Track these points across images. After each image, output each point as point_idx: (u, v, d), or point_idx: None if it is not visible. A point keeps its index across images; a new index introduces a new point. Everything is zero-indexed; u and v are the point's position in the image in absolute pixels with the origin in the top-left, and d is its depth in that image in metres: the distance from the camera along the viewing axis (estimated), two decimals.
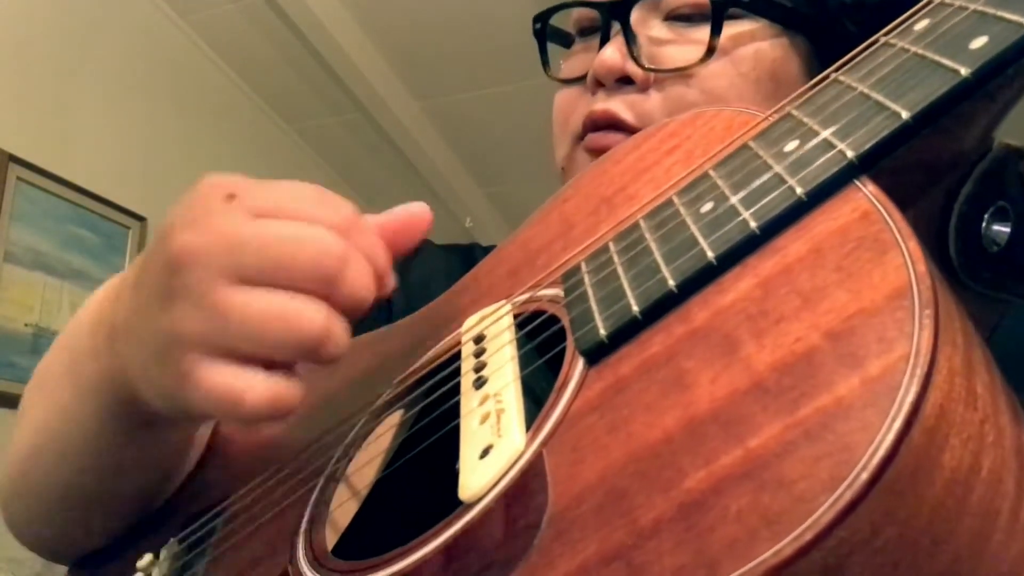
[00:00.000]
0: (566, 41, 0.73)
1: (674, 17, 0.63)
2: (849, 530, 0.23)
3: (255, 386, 0.39)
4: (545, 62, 0.72)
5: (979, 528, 0.25)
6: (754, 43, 0.61)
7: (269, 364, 0.40)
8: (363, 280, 0.41)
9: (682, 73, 0.60)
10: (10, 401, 2.16)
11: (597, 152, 0.60)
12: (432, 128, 3.51)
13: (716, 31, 0.59)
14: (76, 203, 2.53)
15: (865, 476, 0.23)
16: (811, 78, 0.39)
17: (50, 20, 2.48)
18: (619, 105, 0.62)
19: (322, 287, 0.40)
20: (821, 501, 0.24)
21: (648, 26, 0.63)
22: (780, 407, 0.27)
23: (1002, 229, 0.34)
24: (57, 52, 2.49)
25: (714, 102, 0.58)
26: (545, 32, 0.72)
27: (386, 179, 3.79)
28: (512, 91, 3.08)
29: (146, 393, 0.46)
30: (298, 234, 0.40)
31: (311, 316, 0.39)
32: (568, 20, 0.73)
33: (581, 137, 0.65)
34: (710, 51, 0.60)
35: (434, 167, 3.60)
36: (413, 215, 0.47)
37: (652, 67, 0.61)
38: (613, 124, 0.62)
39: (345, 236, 0.41)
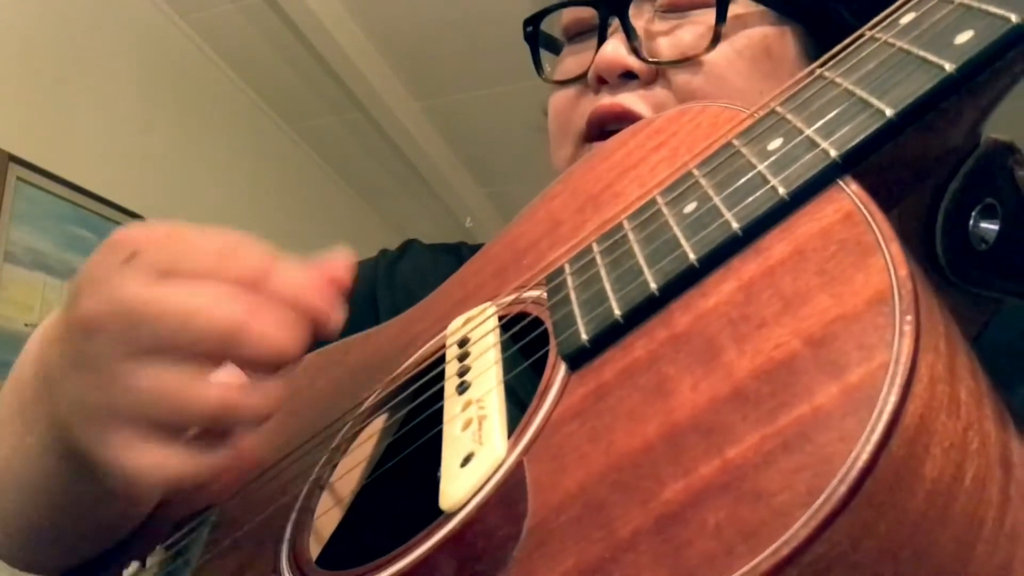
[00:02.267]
0: (555, 47, 0.72)
1: (669, 9, 0.63)
2: (827, 544, 0.23)
3: (159, 461, 0.39)
4: (538, 64, 0.72)
5: (962, 538, 0.25)
6: (752, 29, 0.61)
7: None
8: (274, 335, 0.39)
9: (686, 62, 0.60)
10: None
11: None
12: (432, 128, 3.50)
13: (721, 18, 0.59)
14: (76, 203, 2.53)
15: (843, 489, 0.23)
16: (808, 63, 0.38)
17: (50, 20, 2.47)
18: (629, 98, 0.61)
19: (222, 349, 0.39)
20: (799, 515, 0.23)
21: (645, 20, 0.63)
22: (759, 416, 0.26)
23: (990, 227, 0.34)
24: (57, 52, 2.49)
25: (721, 86, 0.59)
26: (537, 35, 0.72)
27: (386, 179, 3.79)
28: (512, 91, 3.07)
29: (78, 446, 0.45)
30: (191, 299, 0.39)
31: (202, 392, 0.38)
32: (556, 27, 0.72)
33: (586, 137, 0.64)
34: (716, 38, 0.59)
35: (434, 167, 3.60)
36: (335, 265, 0.44)
37: (654, 59, 0.61)
38: (624, 117, 0.61)
39: (254, 288, 0.40)
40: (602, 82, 0.63)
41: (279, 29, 2.92)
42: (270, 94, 3.35)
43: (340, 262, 0.44)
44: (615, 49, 0.61)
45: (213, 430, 0.40)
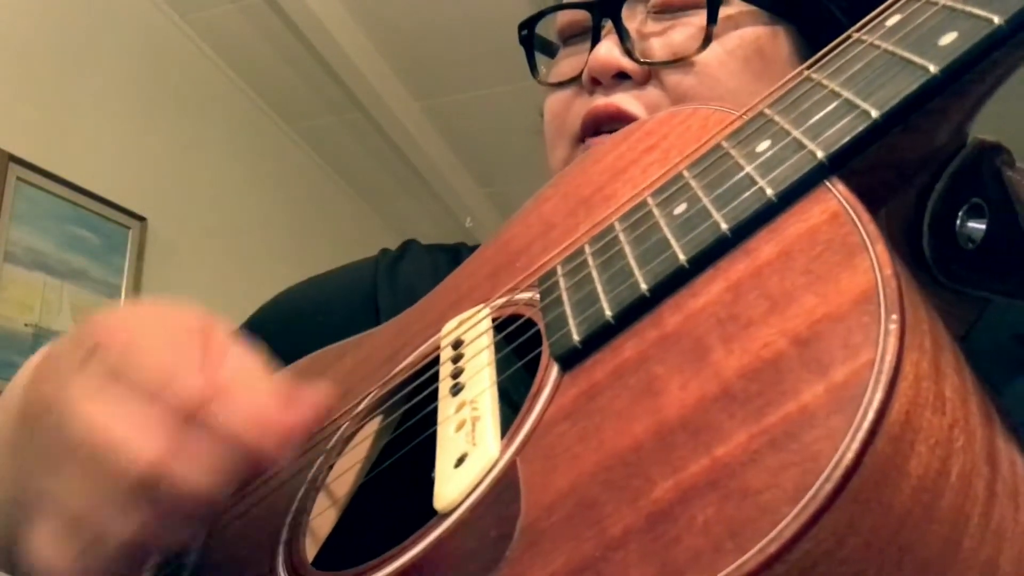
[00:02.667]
0: (550, 51, 0.72)
1: (662, 10, 0.63)
2: (813, 541, 0.23)
3: (56, 558, 0.37)
4: (533, 67, 0.72)
5: (948, 535, 0.25)
6: (743, 29, 0.61)
7: None
8: (192, 477, 0.36)
9: (679, 63, 0.60)
10: None
11: None
12: (432, 128, 3.50)
13: (713, 19, 0.60)
14: (76, 203, 2.52)
15: (829, 486, 0.23)
16: (801, 63, 0.38)
17: (50, 20, 2.48)
18: (623, 99, 0.62)
19: (133, 482, 0.36)
20: (785, 512, 0.23)
21: (637, 21, 0.63)
22: (747, 415, 0.27)
23: (977, 226, 0.34)
24: (57, 52, 2.49)
25: (714, 86, 0.59)
26: (532, 39, 0.72)
27: (386, 179, 3.79)
28: (512, 91, 3.07)
29: None
30: (121, 421, 0.37)
31: (113, 524, 0.36)
32: (551, 30, 0.72)
33: (581, 138, 0.64)
34: (707, 39, 0.60)
35: (434, 167, 3.60)
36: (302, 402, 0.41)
37: (647, 60, 0.61)
38: (618, 118, 0.61)
39: (189, 418, 0.37)
40: (596, 83, 0.63)
41: (279, 29, 2.92)
42: (270, 94, 3.35)
43: (309, 402, 0.40)
44: (608, 50, 0.62)
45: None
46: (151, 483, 0.36)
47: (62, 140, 2.49)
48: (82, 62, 2.58)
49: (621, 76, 0.62)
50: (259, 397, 0.39)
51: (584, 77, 0.64)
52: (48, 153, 2.41)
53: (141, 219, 2.68)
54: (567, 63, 0.68)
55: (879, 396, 0.24)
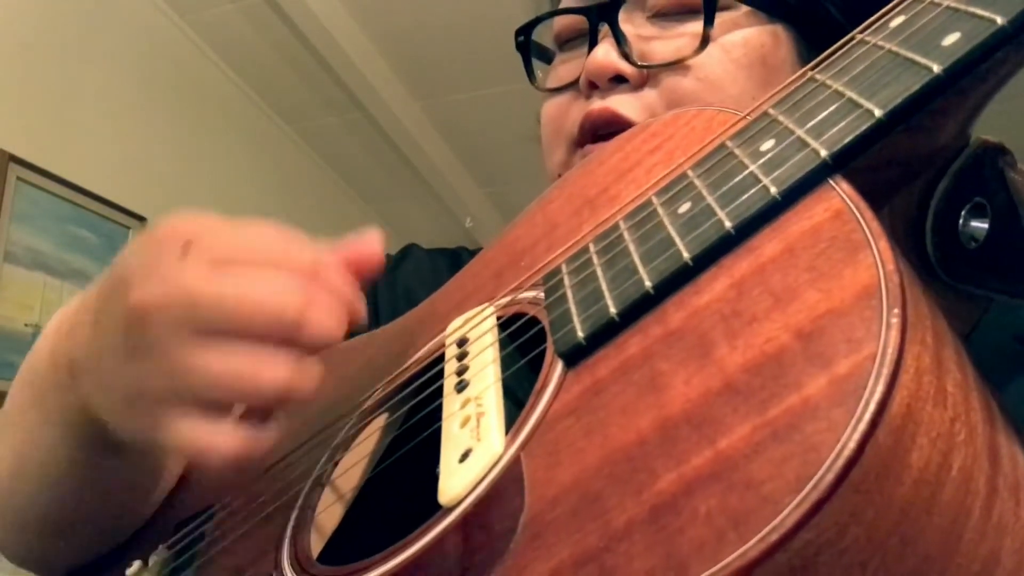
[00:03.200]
0: (547, 57, 0.72)
1: (659, 15, 0.63)
2: (815, 531, 0.23)
3: (225, 436, 0.40)
4: (530, 73, 0.72)
5: (949, 527, 0.25)
6: (742, 30, 0.61)
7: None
8: (328, 321, 0.41)
9: (676, 65, 0.60)
10: None
11: None
12: (432, 128, 3.51)
13: (709, 21, 0.59)
14: (76, 203, 2.53)
15: (830, 477, 0.23)
16: (802, 66, 0.38)
17: (50, 20, 2.48)
18: (619, 102, 0.61)
19: (285, 335, 0.40)
20: (787, 502, 0.24)
21: (635, 25, 0.63)
22: (750, 408, 0.27)
23: (980, 225, 0.34)
24: (57, 52, 2.49)
25: (711, 90, 0.59)
26: (529, 45, 0.72)
27: (386, 179, 3.79)
28: (512, 91, 3.07)
29: (116, 429, 0.46)
30: (255, 286, 0.40)
31: (272, 372, 0.39)
32: (548, 36, 0.72)
33: (578, 142, 0.64)
34: (704, 41, 0.59)
35: (434, 167, 3.60)
36: (369, 242, 0.46)
37: (644, 63, 0.61)
38: (614, 122, 0.61)
39: (309, 278, 0.41)
40: (593, 87, 0.63)
41: (279, 29, 2.93)
42: (270, 94, 3.35)
43: (371, 245, 0.46)
44: (605, 53, 0.62)
45: (259, 410, 0.41)
46: (297, 330, 0.39)
47: (62, 140, 2.49)
48: (82, 62, 2.58)
49: (618, 80, 0.62)
50: (337, 256, 0.44)
51: (581, 81, 0.64)
52: (48, 153, 2.41)
53: (141, 219, 2.68)
54: (564, 68, 0.68)
55: (880, 388, 0.24)
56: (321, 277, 0.42)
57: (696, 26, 0.60)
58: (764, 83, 0.59)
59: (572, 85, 0.66)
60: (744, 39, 0.60)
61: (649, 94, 0.61)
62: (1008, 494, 0.27)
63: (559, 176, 0.65)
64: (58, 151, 2.45)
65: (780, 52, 0.61)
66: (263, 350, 0.40)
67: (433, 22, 2.92)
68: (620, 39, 0.62)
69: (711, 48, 0.60)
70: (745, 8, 0.61)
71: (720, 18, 0.60)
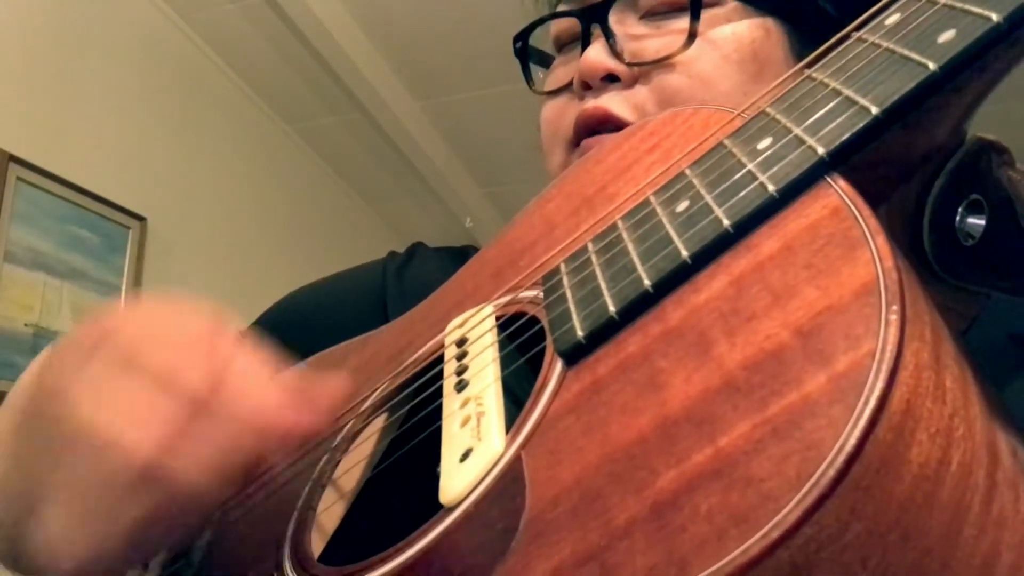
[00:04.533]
0: (546, 61, 0.73)
1: (649, 14, 0.63)
2: (816, 527, 0.23)
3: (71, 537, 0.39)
4: (528, 78, 0.73)
5: (950, 522, 0.25)
6: (732, 24, 0.61)
7: None
8: (190, 470, 0.38)
9: (665, 62, 0.61)
10: None
11: None
12: (432, 128, 3.51)
13: (695, 16, 0.60)
14: (76, 203, 2.52)
15: (831, 473, 0.23)
16: (796, 62, 0.38)
17: (50, 20, 2.48)
18: (610, 100, 0.62)
19: (141, 474, 0.38)
20: (788, 499, 0.24)
21: (626, 25, 0.64)
22: (750, 405, 0.27)
23: (976, 222, 0.34)
24: (57, 52, 2.49)
25: (702, 85, 0.59)
26: (526, 50, 0.73)
27: (386, 179, 3.79)
28: (512, 91, 3.07)
29: None
30: (120, 413, 0.39)
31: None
32: (547, 40, 0.73)
33: (575, 142, 0.65)
34: (691, 37, 0.60)
35: (434, 167, 3.60)
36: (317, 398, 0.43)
37: (635, 61, 0.62)
38: (606, 121, 0.62)
39: (197, 406, 0.39)
40: (586, 87, 0.64)
41: (279, 29, 2.92)
42: (270, 94, 3.35)
43: (315, 401, 0.43)
44: (597, 53, 0.62)
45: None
46: (149, 476, 0.38)
47: (62, 140, 2.49)
48: (82, 62, 2.58)
49: (611, 79, 0.63)
50: (264, 395, 0.41)
51: (575, 81, 0.65)
52: (48, 153, 2.41)
53: (141, 219, 2.68)
54: (561, 71, 0.69)
55: (880, 385, 0.24)
56: (216, 412, 0.39)
57: (685, 23, 0.60)
58: (756, 77, 0.60)
59: (568, 87, 0.66)
60: (734, 34, 0.61)
61: (640, 91, 0.62)
62: (1007, 488, 0.27)
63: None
64: (58, 151, 2.45)
65: (772, 46, 0.61)
66: (104, 485, 0.38)
67: (433, 22, 2.92)
68: (611, 39, 0.62)
69: (701, 44, 0.60)
70: (734, 3, 0.61)
71: (708, 13, 0.61)
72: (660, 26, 0.63)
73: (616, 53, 0.62)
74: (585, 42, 0.64)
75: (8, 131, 2.30)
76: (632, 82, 0.62)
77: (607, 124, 0.61)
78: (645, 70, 0.62)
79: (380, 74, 3.16)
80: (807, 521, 0.23)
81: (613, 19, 0.63)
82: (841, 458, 0.23)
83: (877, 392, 0.24)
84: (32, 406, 0.43)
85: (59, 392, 0.40)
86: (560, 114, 0.67)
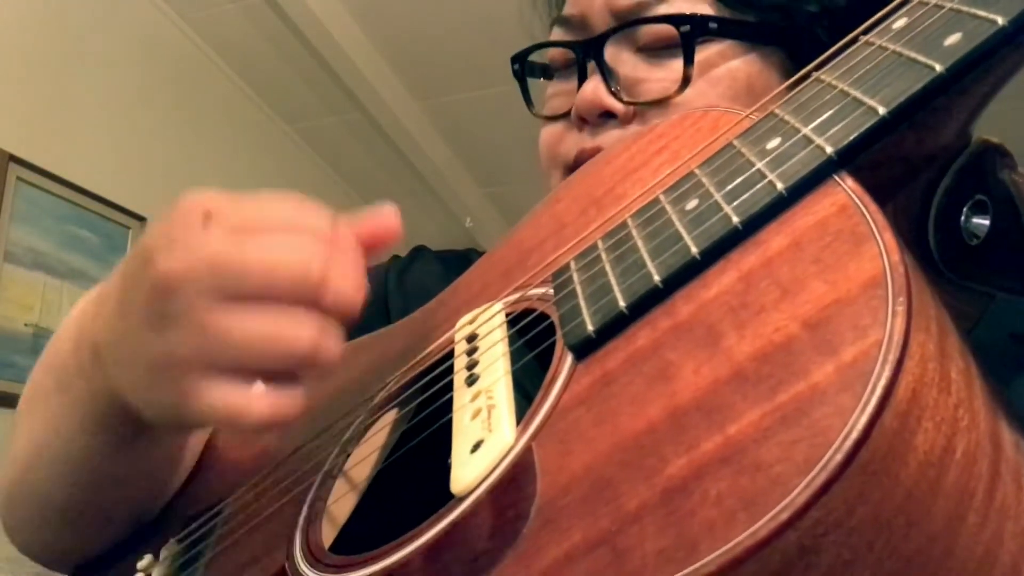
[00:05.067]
0: (549, 73, 0.74)
1: (646, 49, 0.64)
2: (824, 510, 0.24)
3: (256, 399, 0.41)
4: (528, 101, 0.74)
5: (954, 509, 0.26)
6: (727, 63, 0.62)
7: (268, 374, 0.41)
8: (350, 285, 0.42)
9: (661, 104, 0.62)
10: (10, 401, 2.16)
11: None
12: (432, 128, 3.51)
13: (689, 61, 0.61)
14: (76, 203, 2.53)
15: (839, 458, 0.24)
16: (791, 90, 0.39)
17: (50, 20, 2.48)
18: (607, 141, 0.63)
19: (309, 297, 0.41)
20: (796, 483, 0.24)
21: (622, 60, 0.64)
22: (759, 394, 0.28)
23: (981, 222, 0.35)
24: (57, 52, 2.50)
25: None
26: (524, 72, 0.74)
27: (386, 179, 3.79)
28: (512, 91, 3.04)
29: (142, 409, 0.47)
30: (279, 250, 0.41)
31: (300, 332, 0.40)
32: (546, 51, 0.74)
33: (572, 168, 0.66)
34: (685, 81, 0.61)
35: (434, 167, 3.60)
36: (385, 218, 0.47)
37: (631, 100, 0.63)
38: None
39: (328, 243, 0.42)
40: (584, 121, 0.65)
41: (279, 29, 2.93)
42: (270, 94, 3.35)
43: (387, 219, 0.47)
44: (594, 90, 0.63)
45: (285, 376, 0.42)
46: (320, 291, 0.41)
47: (62, 140, 2.49)
48: (82, 62, 2.58)
49: (607, 115, 0.64)
50: (353, 225, 0.45)
51: (572, 115, 0.66)
52: (48, 153, 2.41)
53: (141, 219, 2.69)
54: (557, 99, 0.70)
55: (887, 374, 0.25)
56: (339, 244, 0.43)
57: (680, 62, 0.61)
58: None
59: (566, 115, 0.68)
60: (729, 71, 0.61)
61: (637, 130, 0.62)
62: (1010, 478, 0.28)
63: None
64: (58, 151, 2.46)
65: (767, 76, 0.62)
66: (290, 312, 0.41)
67: (433, 22, 2.92)
68: (607, 75, 0.63)
69: (696, 83, 0.61)
70: (728, 40, 0.62)
71: (705, 52, 0.61)
72: (657, 62, 0.63)
73: (612, 91, 0.63)
74: (582, 73, 0.65)
75: (8, 131, 2.30)
76: (628, 119, 0.63)
77: None
78: (640, 109, 0.63)
79: (380, 74, 3.16)
80: (815, 504, 0.24)
81: (609, 53, 0.64)
82: (848, 443, 0.24)
83: (884, 380, 0.25)
84: (141, 288, 0.43)
85: (185, 266, 0.41)
86: (558, 141, 0.68)
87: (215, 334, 0.40)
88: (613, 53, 0.64)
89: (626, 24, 0.63)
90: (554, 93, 0.71)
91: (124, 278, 0.46)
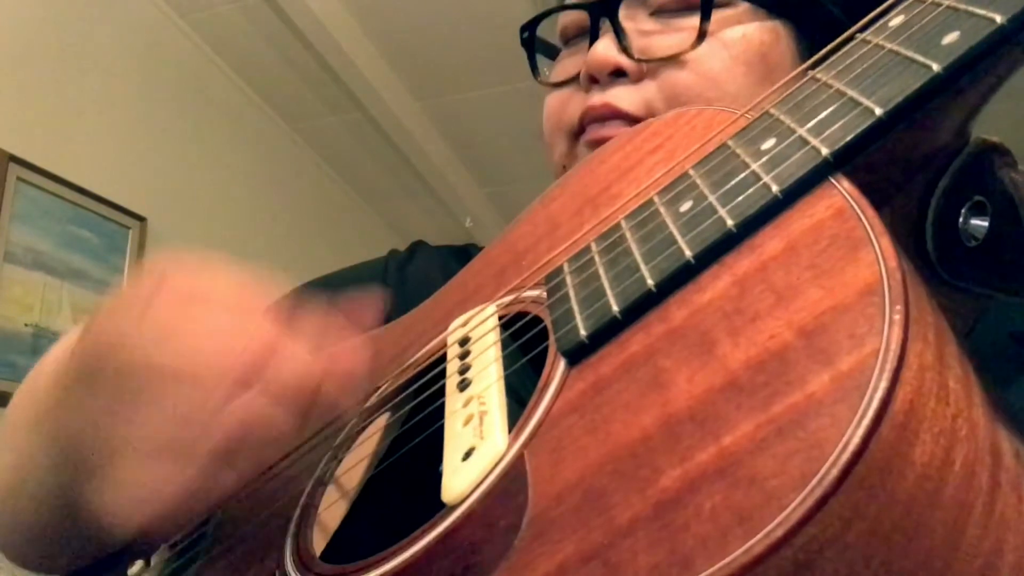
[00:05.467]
0: (552, 52, 0.73)
1: (660, 11, 0.64)
2: (819, 526, 0.23)
3: (163, 478, 0.40)
4: (534, 68, 0.73)
5: (953, 522, 0.25)
6: (742, 26, 0.61)
7: None
8: (294, 363, 0.42)
9: (674, 60, 0.61)
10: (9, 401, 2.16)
11: (599, 144, 0.60)
12: (432, 128, 3.51)
13: (706, 16, 0.60)
14: (76, 203, 2.53)
15: (835, 472, 0.23)
16: (802, 63, 0.38)
17: (50, 20, 2.48)
18: (618, 95, 0.62)
19: (250, 372, 0.41)
20: (792, 498, 0.24)
21: (636, 21, 0.64)
22: (754, 405, 0.27)
23: (980, 223, 0.34)
24: (57, 52, 2.50)
25: (710, 85, 0.60)
26: (533, 41, 0.73)
27: (386, 179, 3.80)
28: (512, 91, 3.08)
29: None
30: (218, 323, 0.42)
31: (225, 416, 0.41)
32: (553, 32, 0.73)
33: (578, 133, 0.65)
34: (701, 36, 0.60)
35: (434, 167, 3.60)
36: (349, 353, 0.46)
37: (643, 57, 0.62)
38: (614, 116, 0.62)
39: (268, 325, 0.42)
40: (593, 81, 0.64)
41: (279, 29, 2.93)
42: (270, 94, 3.35)
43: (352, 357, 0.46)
44: (606, 48, 0.62)
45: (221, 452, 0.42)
46: (262, 364, 0.41)
47: (62, 140, 2.49)
48: (82, 62, 2.58)
49: (618, 74, 0.63)
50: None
51: (582, 75, 0.65)
52: (48, 153, 2.41)
53: (141, 219, 2.68)
54: (568, 62, 0.69)
55: (884, 384, 0.24)
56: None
57: (695, 21, 0.61)
58: (763, 80, 0.60)
59: (574, 79, 0.67)
60: (744, 35, 0.61)
61: (648, 87, 0.62)
62: (1010, 489, 0.27)
63: (563, 168, 0.66)
64: (58, 151, 2.45)
65: (780, 49, 0.61)
66: (219, 390, 0.40)
67: (433, 22, 2.93)
68: (620, 34, 0.63)
69: (710, 43, 0.60)
70: (745, 5, 0.62)
71: (720, 14, 0.61)
72: (670, 23, 0.63)
73: (624, 49, 0.62)
74: (594, 36, 0.64)
75: (8, 131, 2.30)
76: (640, 78, 0.62)
77: (614, 120, 0.62)
78: (653, 67, 0.62)
79: (380, 74, 3.16)
80: (811, 520, 0.23)
81: (623, 14, 0.63)
82: (845, 457, 0.23)
83: (881, 391, 0.24)
84: (85, 369, 0.43)
85: (123, 344, 0.41)
86: (564, 105, 0.67)
87: (142, 409, 0.41)
88: (627, 14, 0.64)
89: None
90: (564, 58, 0.71)
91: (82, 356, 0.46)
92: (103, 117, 2.64)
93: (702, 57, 0.60)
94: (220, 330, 0.41)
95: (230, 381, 0.40)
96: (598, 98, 0.63)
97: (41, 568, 0.64)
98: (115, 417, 0.41)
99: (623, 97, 0.62)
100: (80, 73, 2.57)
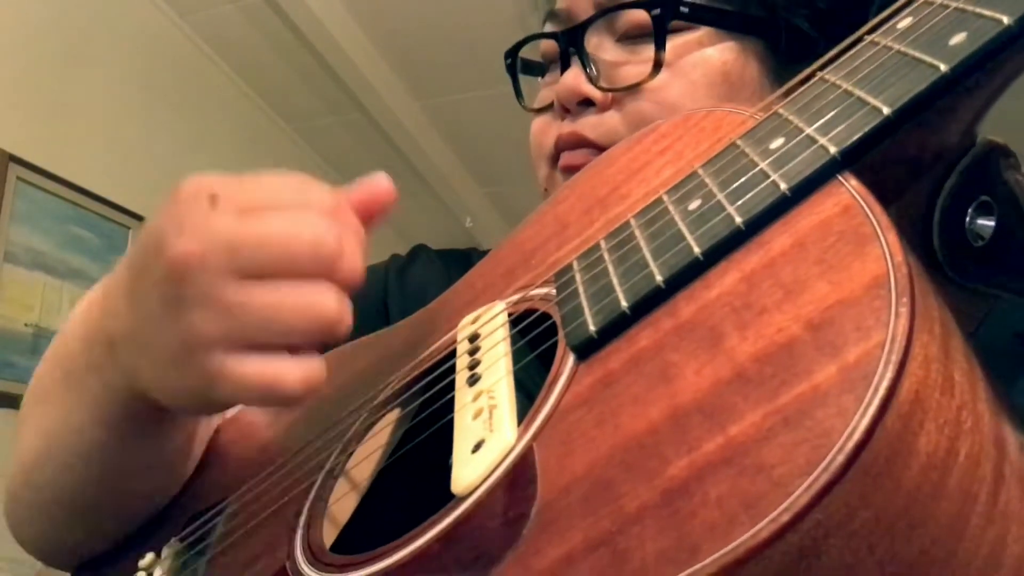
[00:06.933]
0: (541, 71, 0.75)
1: (625, 37, 0.65)
2: (825, 512, 0.24)
3: (289, 370, 0.41)
4: (519, 94, 0.75)
5: (957, 512, 0.26)
6: (700, 50, 0.62)
7: (288, 349, 0.42)
8: (358, 257, 0.43)
9: (635, 89, 0.62)
10: (10, 401, 2.16)
11: (571, 170, 0.64)
12: (432, 128, 3.51)
13: (660, 46, 0.62)
14: (76, 203, 2.53)
15: (841, 459, 0.24)
16: (773, 77, 0.39)
17: (50, 20, 2.48)
18: (583, 126, 0.64)
19: (324, 270, 0.42)
20: (798, 484, 0.24)
21: (603, 49, 0.65)
22: (761, 395, 0.27)
23: (986, 223, 0.35)
24: (57, 52, 2.50)
25: (669, 111, 0.59)
26: (516, 67, 0.75)
27: None
28: (512, 91, 3.08)
29: (165, 399, 0.46)
30: (292, 225, 0.42)
31: (326, 302, 0.41)
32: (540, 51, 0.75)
33: (555, 158, 0.67)
34: (656, 66, 0.62)
35: (434, 167, 3.60)
36: (378, 186, 0.49)
37: (607, 87, 0.64)
38: (580, 145, 0.65)
39: (332, 216, 0.43)
40: (566, 109, 0.66)
41: (279, 29, 2.93)
42: (270, 94, 3.35)
43: (381, 186, 0.49)
44: (574, 78, 0.64)
45: (307, 349, 0.43)
46: (335, 263, 0.42)
47: (62, 140, 2.49)
48: (82, 62, 2.58)
49: (587, 103, 0.65)
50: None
51: (555, 104, 0.67)
52: (48, 153, 2.41)
53: (141, 219, 2.69)
54: (545, 91, 0.71)
55: (889, 375, 0.25)
56: (342, 217, 0.44)
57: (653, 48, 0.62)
58: (727, 98, 0.61)
59: (551, 106, 0.69)
60: (704, 58, 0.62)
61: (613, 117, 0.64)
62: (1014, 482, 0.28)
63: (546, 191, 0.68)
64: (58, 151, 2.46)
65: (743, 66, 0.62)
66: (310, 284, 0.41)
67: (433, 22, 2.93)
68: (586, 63, 0.64)
69: (670, 70, 0.62)
70: (706, 28, 0.63)
71: (680, 39, 0.62)
72: (634, 51, 0.64)
73: (590, 78, 0.64)
74: (564, 64, 0.66)
75: (8, 131, 2.30)
76: (607, 107, 0.64)
77: (582, 147, 0.64)
78: (619, 95, 0.64)
79: (380, 74, 3.16)
80: (816, 506, 0.24)
81: (591, 42, 0.65)
82: (851, 445, 0.24)
83: (887, 382, 0.25)
84: (149, 271, 0.43)
85: (210, 237, 0.42)
86: (544, 132, 0.69)
87: (238, 311, 0.41)
88: (595, 43, 0.65)
89: (603, 12, 0.64)
90: (543, 86, 0.73)
91: (132, 269, 0.46)
92: (103, 117, 2.65)
93: (662, 86, 0.62)
94: (295, 230, 0.42)
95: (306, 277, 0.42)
96: (568, 127, 0.65)
97: (53, 551, 0.64)
98: (211, 322, 0.41)
99: (589, 127, 0.64)
100: (80, 73, 2.57)
